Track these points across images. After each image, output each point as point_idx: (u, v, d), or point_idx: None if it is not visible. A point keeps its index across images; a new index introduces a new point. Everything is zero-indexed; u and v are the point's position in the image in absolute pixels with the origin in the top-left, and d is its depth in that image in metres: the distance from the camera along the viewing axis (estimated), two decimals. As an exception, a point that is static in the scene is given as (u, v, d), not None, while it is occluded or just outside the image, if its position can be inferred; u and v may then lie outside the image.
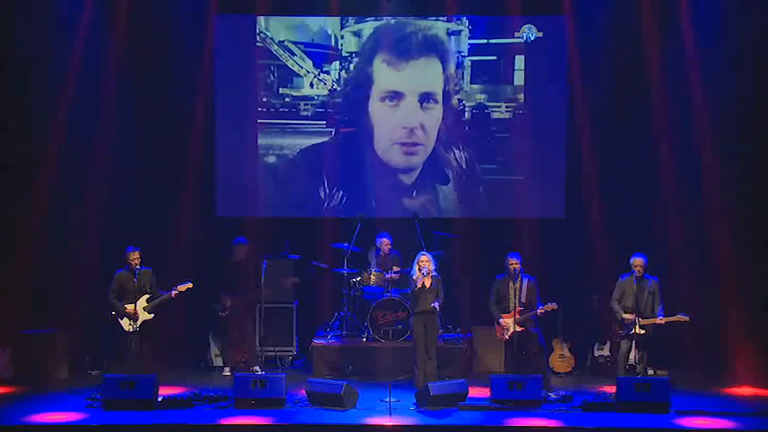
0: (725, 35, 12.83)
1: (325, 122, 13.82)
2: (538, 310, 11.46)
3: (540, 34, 13.62)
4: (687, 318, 11.25)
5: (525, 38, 13.65)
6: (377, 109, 13.83)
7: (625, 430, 10.18)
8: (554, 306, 11.44)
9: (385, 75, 13.80)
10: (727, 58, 12.87)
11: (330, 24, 13.79)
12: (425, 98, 13.77)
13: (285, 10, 13.74)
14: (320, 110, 13.82)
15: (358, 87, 13.82)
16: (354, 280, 12.87)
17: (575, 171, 13.56)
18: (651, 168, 13.25)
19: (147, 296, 11.53)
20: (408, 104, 13.77)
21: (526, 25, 13.62)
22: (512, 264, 11.50)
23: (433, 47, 13.78)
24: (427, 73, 13.79)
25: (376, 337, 12.57)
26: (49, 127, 12.97)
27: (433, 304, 11.35)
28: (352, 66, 13.80)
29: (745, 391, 11.89)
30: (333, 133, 13.83)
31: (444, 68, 13.77)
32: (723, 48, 12.85)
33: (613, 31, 13.20)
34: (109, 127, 13.16)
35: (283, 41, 13.76)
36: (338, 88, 13.80)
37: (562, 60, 13.56)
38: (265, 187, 13.85)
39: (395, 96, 13.80)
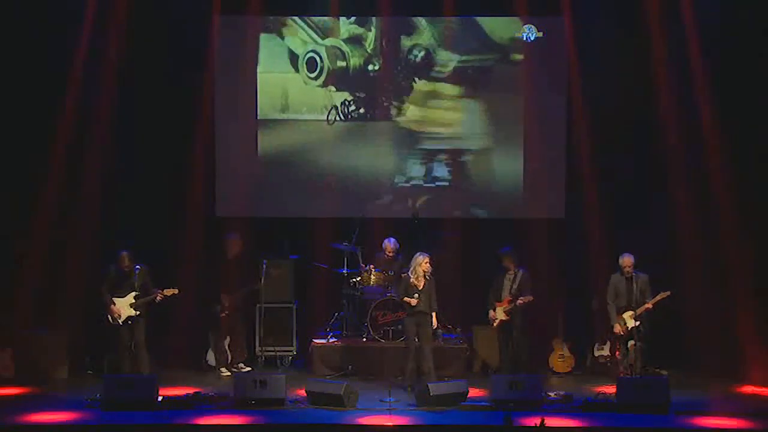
0: (727, 34, 12.81)
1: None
2: (518, 301, 11.79)
3: (540, 34, 13.62)
4: (668, 293, 11.43)
5: (525, 38, 13.64)
6: None
7: (625, 430, 10.19)
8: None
9: None
10: (729, 57, 12.85)
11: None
12: None
13: (283, 11, 13.73)
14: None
15: None
16: (354, 280, 12.86)
17: (575, 171, 13.56)
18: (651, 168, 13.24)
19: (136, 294, 11.55)
20: None
21: (526, 25, 13.61)
22: (506, 261, 11.96)
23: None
24: None
25: (376, 337, 12.57)
26: (48, 127, 12.95)
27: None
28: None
29: (747, 389, 11.90)
30: None
31: None
32: (725, 47, 12.83)
33: (613, 31, 13.19)
34: (110, 127, 13.14)
35: None
36: None
37: (562, 60, 13.55)
38: (265, 188, 13.84)
39: None
